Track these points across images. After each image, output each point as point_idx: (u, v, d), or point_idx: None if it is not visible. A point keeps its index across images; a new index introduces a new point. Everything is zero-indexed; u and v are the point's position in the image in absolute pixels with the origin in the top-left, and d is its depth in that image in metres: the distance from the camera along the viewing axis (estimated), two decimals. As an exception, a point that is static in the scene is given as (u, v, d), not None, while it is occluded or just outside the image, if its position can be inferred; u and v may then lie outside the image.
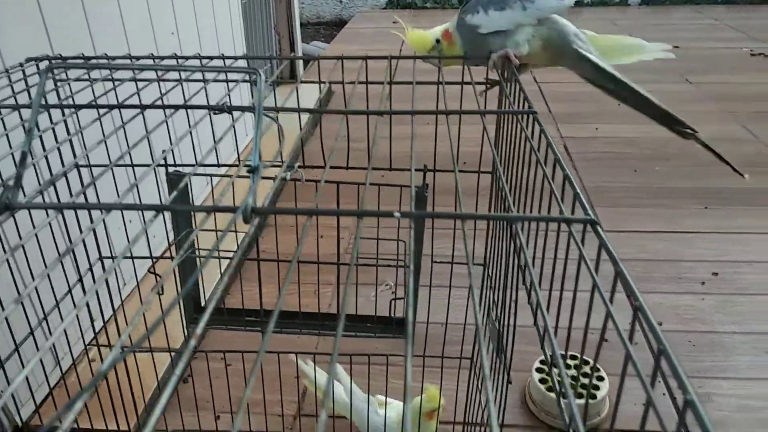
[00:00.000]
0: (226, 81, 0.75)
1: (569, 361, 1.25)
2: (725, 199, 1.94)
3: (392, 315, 0.86)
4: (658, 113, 0.92)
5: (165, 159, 0.78)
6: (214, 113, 0.57)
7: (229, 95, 0.69)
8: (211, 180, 0.83)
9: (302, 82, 0.85)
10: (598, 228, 0.36)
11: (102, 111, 0.60)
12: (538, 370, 1.22)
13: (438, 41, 0.99)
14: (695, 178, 2.09)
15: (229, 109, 0.55)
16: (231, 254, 1.06)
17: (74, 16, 1.24)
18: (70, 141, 0.75)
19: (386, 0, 5.48)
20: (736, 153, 2.24)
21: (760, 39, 3.82)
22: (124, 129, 0.67)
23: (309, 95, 2.89)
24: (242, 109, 0.57)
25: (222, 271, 0.87)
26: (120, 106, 0.61)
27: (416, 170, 0.83)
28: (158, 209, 0.37)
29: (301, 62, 3.00)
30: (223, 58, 0.84)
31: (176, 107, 0.56)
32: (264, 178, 0.87)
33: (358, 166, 0.81)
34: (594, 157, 2.27)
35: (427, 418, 0.95)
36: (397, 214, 0.35)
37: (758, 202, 1.91)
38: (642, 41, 1.00)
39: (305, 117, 2.49)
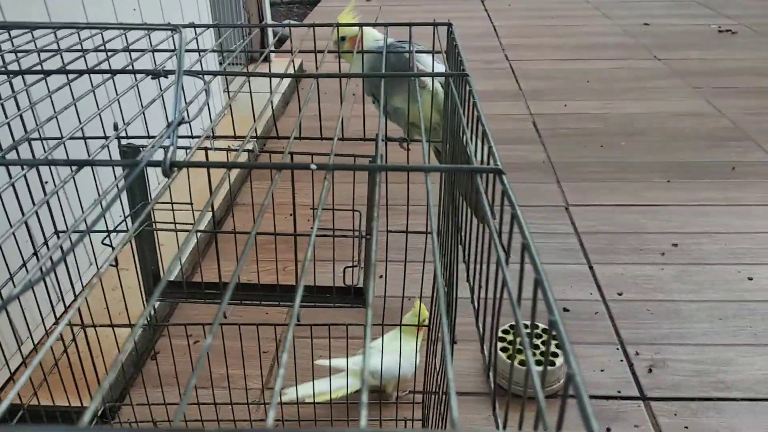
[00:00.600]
0: (152, 51, 0.74)
1: (529, 330, 1.28)
2: (688, 172, 1.98)
3: (351, 285, 0.87)
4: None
5: (117, 130, 0.78)
6: (151, 78, 0.57)
7: (154, 63, 0.69)
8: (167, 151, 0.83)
9: (272, 51, 0.85)
10: (503, 177, 0.37)
11: (48, 78, 0.59)
12: (500, 338, 1.25)
13: (343, 38, 1.06)
14: (659, 152, 2.12)
15: (164, 73, 0.55)
16: (189, 227, 1.06)
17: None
18: (18, 108, 0.74)
19: (360, -22, 5.43)
20: (700, 128, 2.30)
21: (728, 15, 3.87)
22: (72, 95, 0.67)
23: (283, 69, 2.87)
24: (172, 72, 0.57)
25: (179, 244, 0.87)
26: (65, 71, 0.61)
27: (368, 139, 0.84)
28: (80, 164, 0.38)
29: (271, 40, 2.97)
30: (194, 26, 0.83)
31: (104, 72, 0.56)
32: (217, 149, 0.87)
33: (312, 137, 0.82)
34: (562, 134, 2.29)
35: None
36: (313, 166, 0.36)
37: (719, 176, 1.96)
38: None
39: (276, 96, 2.48)
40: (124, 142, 0.80)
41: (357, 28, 1.06)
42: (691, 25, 3.70)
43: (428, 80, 1.04)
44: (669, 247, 1.61)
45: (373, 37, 1.16)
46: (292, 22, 4.60)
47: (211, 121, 0.80)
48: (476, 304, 0.49)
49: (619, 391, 1.19)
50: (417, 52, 0.84)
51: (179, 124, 0.41)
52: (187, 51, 0.78)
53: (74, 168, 0.38)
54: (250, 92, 0.82)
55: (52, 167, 1.16)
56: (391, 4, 4.53)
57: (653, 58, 3.10)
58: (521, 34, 3.59)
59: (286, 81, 2.79)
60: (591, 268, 1.55)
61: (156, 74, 0.54)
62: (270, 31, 2.94)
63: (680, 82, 2.76)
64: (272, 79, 0.69)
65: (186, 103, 0.63)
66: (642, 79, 2.82)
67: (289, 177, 0.80)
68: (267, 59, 2.97)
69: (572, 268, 1.55)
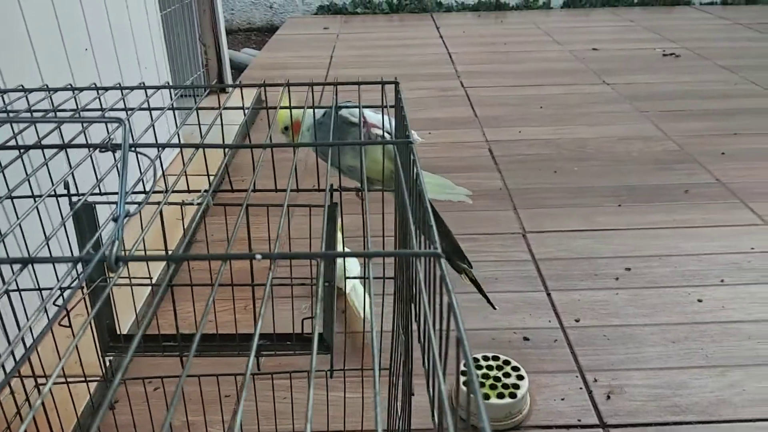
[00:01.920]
0: (102, 118, 0.74)
1: (491, 362, 1.30)
2: (638, 196, 2.05)
3: (312, 331, 0.88)
4: (452, 245, 1.11)
5: (67, 188, 0.77)
6: (100, 151, 0.57)
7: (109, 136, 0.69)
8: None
9: (225, 108, 0.85)
10: (441, 261, 0.39)
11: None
12: (463, 372, 1.26)
13: (286, 128, 1.12)
14: (610, 176, 2.19)
15: (112, 148, 0.55)
16: (146, 281, 1.05)
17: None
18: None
19: (317, 5, 5.48)
20: (648, 151, 2.39)
21: (672, 39, 4.04)
22: (24, 167, 0.66)
23: (239, 105, 2.86)
24: (119, 147, 0.57)
25: (134, 299, 0.86)
26: (18, 147, 0.60)
27: (322, 190, 0.85)
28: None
29: (229, 72, 2.97)
30: (144, 88, 0.83)
31: (57, 147, 0.56)
32: (171, 203, 0.86)
33: (266, 188, 0.82)
34: (518, 160, 2.35)
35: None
36: (258, 257, 0.36)
37: (667, 198, 2.03)
38: (451, 183, 1.23)
39: (231, 134, 2.46)
40: (75, 198, 0.79)
41: (297, 112, 1.09)
42: (637, 49, 3.85)
43: (375, 129, 1.06)
44: (622, 272, 1.66)
45: (315, 113, 1.18)
46: (251, 52, 4.61)
47: (162, 173, 0.79)
48: (427, 365, 0.50)
49: (579, 420, 1.21)
50: (364, 107, 0.86)
51: (126, 217, 0.41)
52: (140, 109, 0.78)
53: (17, 266, 0.38)
54: (200, 132, 0.82)
55: None
56: (348, 31, 4.59)
57: (602, 82, 3.22)
58: (476, 61, 3.68)
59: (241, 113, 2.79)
60: (549, 295, 1.58)
61: (105, 148, 0.54)
62: (227, 61, 2.94)
63: (627, 106, 2.87)
64: (223, 119, 0.70)
65: (140, 174, 0.63)
66: (592, 103, 2.91)
67: (249, 213, 0.81)
68: (224, 91, 2.97)
69: (531, 295, 1.58)
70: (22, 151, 0.59)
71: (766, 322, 1.46)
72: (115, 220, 0.42)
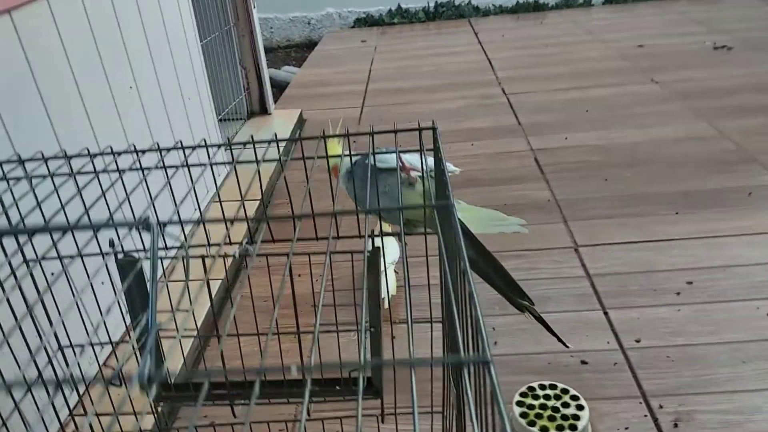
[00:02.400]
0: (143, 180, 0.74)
1: (549, 391, 1.25)
2: (696, 201, 1.96)
3: (361, 376, 0.86)
4: (507, 282, 1.06)
5: (113, 246, 0.77)
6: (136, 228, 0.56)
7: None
8: (160, 263, 0.83)
9: (238, 163, 0.85)
10: (491, 367, 0.36)
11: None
12: (519, 403, 1.22)
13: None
14: (664, 182, 2.10)
15: (145, 226, 0.54)
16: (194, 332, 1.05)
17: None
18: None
19: (354, 18, 5.50)
20: (703, 152, 2.28)
21: (722, 31, 3.87)
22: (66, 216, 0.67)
23: (282, 126, 2.89)
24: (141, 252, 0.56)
25: (183, 350, 0.86)
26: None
27: (363, 236, 0.83)
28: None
29: (270, 94, 3.00)
30: (182, 148, 0.84)
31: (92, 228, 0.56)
32: (202, 256, 0.86)
33: (306, 237, 0.81)
34: (565, 168, 2.28)
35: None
36: (293, 368, 0.34)
37: (728, 203, 1.93)
38: (502, 215, 1.18)
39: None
40: (120, 255, 0.80)
41: (337, 158, 1.09)
42: (686, 43, 3.70)
43: (414, 172, 1.04)
44: (683, 286, 1.58)
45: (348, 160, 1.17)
46: (291, 69, 4.66)
47: (200, 214, 0.79)
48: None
49: (645, 451, 1.15)
50: (401, 151, 0.83)
51: (156, 340, 0.40)
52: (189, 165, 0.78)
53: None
54: (237, 179, 0.81)
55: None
56: (385, 43, 4.58)
57: (650, 81, 3.10)
58: (517, 66, 3.61)
59: (288, 129, 2.81)
60: (606, 314, 1.52)
61: (140, 225, 0.53)
62: (268, 84, 2.97)
63: (679, 105, 2.75)
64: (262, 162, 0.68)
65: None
66: (641, 104, 2.81)
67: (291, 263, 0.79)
68: (267, 112, 3.01)
69: (587, 315, 1.52)
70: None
71: None
72: (139, 340, 0.41)
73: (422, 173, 0.85)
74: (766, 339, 1.38)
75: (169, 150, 0.80)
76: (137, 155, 0.78)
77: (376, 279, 0.81)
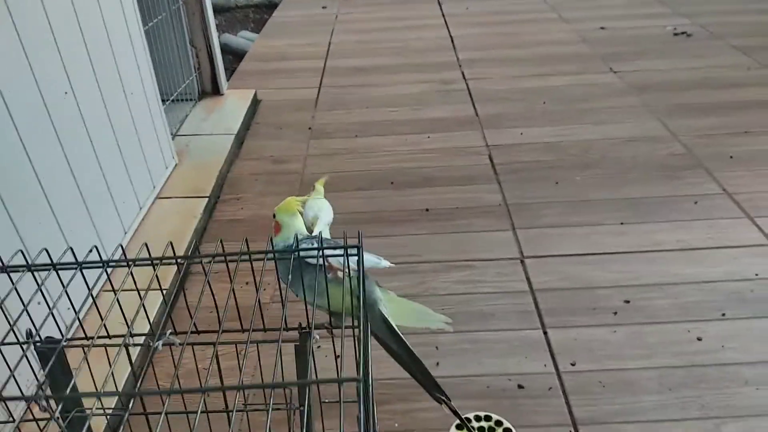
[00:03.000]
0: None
1: (484, 423, 1.29)
2: (642, 210, 2.00)
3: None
4: (425, 378, 1.06)
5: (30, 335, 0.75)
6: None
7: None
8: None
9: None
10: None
11: None
12: (454, 437, 1.26)
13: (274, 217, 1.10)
14: (613, 187, 2.13)
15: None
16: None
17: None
18: None
19: (316, -20, 5.30)
20: (653, 155, 2.31)
21: (685, 14, 3.88)
22: None
23: (235, 108, 2.81)
24: None
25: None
26: None
27: (291, 329, 0.82)
28: None
29: (223, 74, 2.90)
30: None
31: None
32: (135, 345, 0.84)
33: (232, 329, 0.80)
34: (518, 168, 2.29)
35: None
36: None
37: (673, 213, 1.97)
38: (429, 311, 1.16)
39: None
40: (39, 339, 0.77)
41: (284, 218, 1.06)
42: (647, 27, 3.70)
43: (339, 272, 1.02)
44: (621, 305, 1.62)
45: (288, 236, 1.12)
46: (248, 35, 4.50)
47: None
48: None
49: (570, 484, 1.20)
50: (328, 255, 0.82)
51: None
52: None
53: None
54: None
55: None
56: (347, 10, 4.45)
57: (609, 70, 3.10)
58: (478, 46, 3.56)
59: (240, 113, 2.74)
60: (545, 333, 1.56)
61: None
62: (220, 64, 2.86)
63: (635, 99, 2.77)
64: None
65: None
66: (597, 97, 2.82)
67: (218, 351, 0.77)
68: (219, 92, 2.92)
69: (527, 335, 1.55)
70: None
71: (765, 364, 1.43)
72: None
73: (348, 272, 0.83)
74: (694, 365, 1.44)
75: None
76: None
77: (304, 365, 0.81)
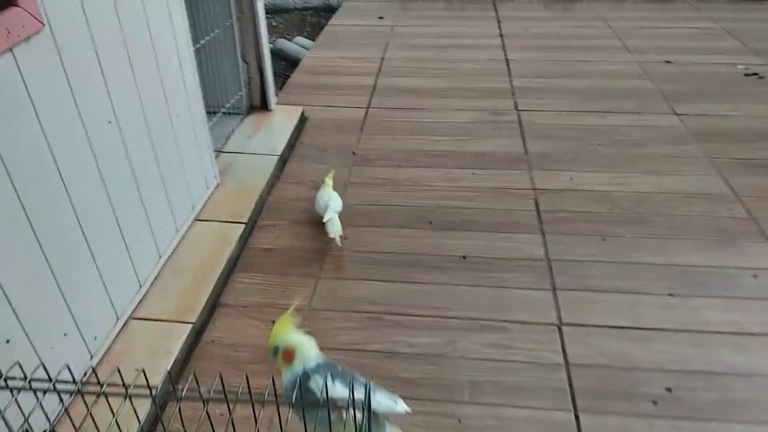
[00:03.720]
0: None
1: None
2: (693, 282, 1.87)
3: None
4: None
5: None
6: None
7: None
8: None
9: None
10: None
11: None
12: None
13: (276, 350, 1.03)
14: (665, 250, 2.01)
15: None
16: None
17: None
18: None
19: (375, -15, 5.24)
20: (711, 216, 2.17)
21: (757, 51, 3.66)
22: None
23: (282, 125, 2.79)
24: None
25: None
26: None
27: None
28: None
29: (272, 89, 2.87)
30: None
31: None
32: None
33: None
34: (564, 218, 2.19)
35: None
36: None
37: (727, 287, 1.85)
38: None
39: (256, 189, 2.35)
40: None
41: (293, 339, 1.01)
42: (716, 64, 3.50)
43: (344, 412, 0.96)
44: (662, 392, 1.52)
45: (306, 357, 1.07)
46: (304, 42, 4.47)
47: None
48: None
49: None
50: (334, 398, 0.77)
51: None
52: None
53: None
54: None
55: None
56: (403, 23, 4.38)
57: (671, 111, 2.95)
58: (535, 72, 3.44)
59: (288, 128, 2.71)
60: (577, 417, 1.47)
61: None
62: (270, 79, 2.84)
63: (696, 148, 2.62)
64: None
65: None
66: (656, 141, 2.68)
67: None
68: (268, 107, 2.90)
69: (557, 417, 1.47)
70: None
71: (820, 483, 1.31)
72: None
73: (355, 417, 0.78)
74: (737, 474, 1.33)
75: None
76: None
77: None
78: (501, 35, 4.08)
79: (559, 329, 1.72)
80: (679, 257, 1.98)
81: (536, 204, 2.27)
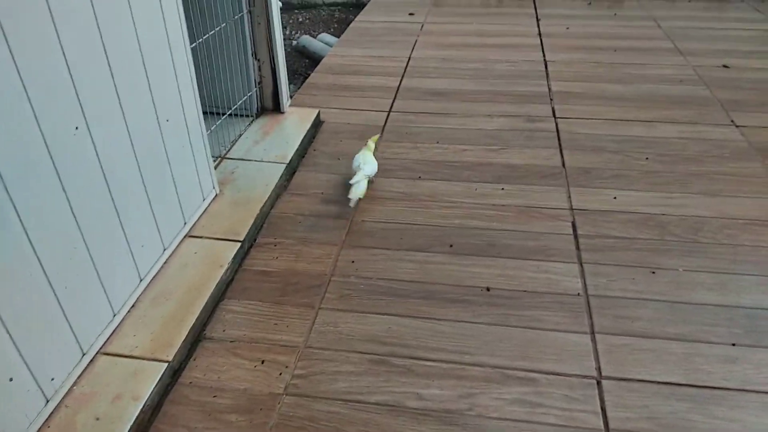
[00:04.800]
0: None
1: None
2: (760, 330, 1.57)
3: None
4: None
5: None
6: None
7: None
8: None
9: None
10: None
11: None
12: None
13: None
14: (725, 289, 1.71)
15: None
16: None
17: None
18: None
19: (407, -20, 4.98)
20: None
21: (827, 55, 3.28)
22: None
23: (294, 129, 2.56)
24: None
25: None
26: None
27: None
28: None
29: (285, 90, 2.65)
30: None
31: None
32: None
33: None
34: (606, 245, 1.90)
35: None
36: None
37: (803, 340, 1.54)
38: None
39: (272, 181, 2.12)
40: None
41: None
42: (781, 69, 3.15)
43: None
44: (725, 475, 1.24)
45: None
46: (328, 39, 4.25)
47: None
48: None
49: None
50: None
51: None
52: None
53: None
54: None
55: None
56: (435, 20, 4.12)
57: (730, 123, 2.62)
58: (575, 76, 3.14)
59: (301, 131, 2.48)
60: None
61: None
62: (284, 77, 2.62)
63: (760, 167, 2.29)
64: None
65: None
66: (713, 158, 2.36)
67: None
68: (280, 110, 2.68)
69: (593, 502, 1.20)
70: None
71: None
72: None
73: None
74: None
75: None
76: None
77: None
78: (540, 34, 3.78)
79: (598, 383, 1.45)
80: (743, 297, 1.68)
81: (574, 227, 1.99)
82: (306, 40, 4.24)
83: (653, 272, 1.78)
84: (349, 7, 5.35)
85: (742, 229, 1.95)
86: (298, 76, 3.94)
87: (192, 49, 1.85)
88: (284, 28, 4.83)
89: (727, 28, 3.81)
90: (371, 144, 2.23)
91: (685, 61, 3.29)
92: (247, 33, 2.44)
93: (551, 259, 1.85)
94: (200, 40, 2.11)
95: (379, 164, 2.37)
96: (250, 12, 2.42)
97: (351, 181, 2.04)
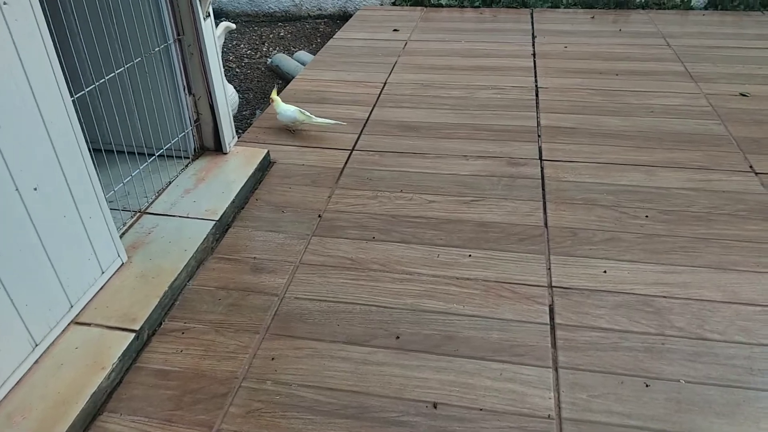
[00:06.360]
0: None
1: None
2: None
3: None
4: None
5: None
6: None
7: None
8: None
9: None
10: None
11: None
12: None
13: None
14: (737, 413, 1.32)
15: None
16: None
17: None
18: None
19: (396, -8, 4.63)
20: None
21: None
22: None
23: (233, 176, 2.20)
24: None
25: None
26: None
27: None
28: None
29: (228, 128, 2.29)
30: None
31: None
32: None
33: None
34: (591, 343, 1.51)
35: None
36: None
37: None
38: None
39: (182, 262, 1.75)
40: None
41: None
42: (808, 99, 2.74)
43: None
44: None
45: None
46: (305, 57, 3.90)
47: None
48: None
49: None
50: None
51: None
52: None
53: None
54: None
55: None
56: (420, 36, 3.75)
57: (749, 170, 2.22)
58: (568, 107, 2.75)
59: (232, 194, 2.13)
60: None
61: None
62: (226, 112, 2.26)
63: (785, 229, 1.90)
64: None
65: None
66: (727, 216, 1.96)
67: None
68: (222, 150, 2.33)
69: None
70: None
71: None
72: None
73: None
74: None
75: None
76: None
77: None
78: (534, 54, 3.39)
79: None
80: (762, 427, 1.29)
81: (551, 314, 1.61)
82: (279, 58, 3.89)
83: (647, 384, 1.40)
84: (336, 19, 4.99)
85: (761, 320, 1.56)
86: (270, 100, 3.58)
87: (104, 85, 1.50)
88: (262, 43, 4.48)
89: (746, 47, 3.39)
90: (275, 97, 2.62)
91: (697, 88, 2.89)
92: (177, 64, 2.09)
93: (519, 362, 1.47)
94: (104, 79, 1.75)
95: (329, 219, 2.01)
96: (179, 41, 2.07)
97: (316, 122, 2.50)
